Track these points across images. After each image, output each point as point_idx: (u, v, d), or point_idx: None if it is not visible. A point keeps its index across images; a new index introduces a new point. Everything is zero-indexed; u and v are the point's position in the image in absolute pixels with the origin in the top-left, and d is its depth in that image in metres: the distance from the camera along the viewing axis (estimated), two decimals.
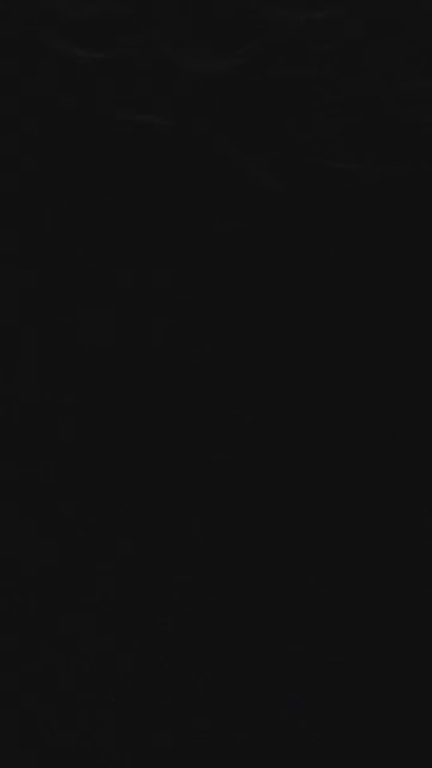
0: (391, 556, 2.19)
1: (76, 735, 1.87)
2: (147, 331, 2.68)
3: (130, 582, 2.14)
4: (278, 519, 2.28)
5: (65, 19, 3.24)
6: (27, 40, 3.18)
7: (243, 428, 2.47)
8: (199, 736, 1.86)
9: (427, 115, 3.01)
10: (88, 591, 2.12)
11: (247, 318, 2.73)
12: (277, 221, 2.84)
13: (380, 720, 1.89)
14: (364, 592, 2.12)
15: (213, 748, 1.84)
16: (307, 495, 2.33)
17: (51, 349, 2.66)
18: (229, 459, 2.40)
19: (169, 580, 2.13)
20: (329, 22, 3.22)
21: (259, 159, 2.96)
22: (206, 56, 3.16)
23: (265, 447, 2.44)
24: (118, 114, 3.12)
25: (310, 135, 3.04)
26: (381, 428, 2.46)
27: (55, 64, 3.15)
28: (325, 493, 2.33)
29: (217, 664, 1.99)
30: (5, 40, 3.20)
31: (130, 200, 2.98)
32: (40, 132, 3.09)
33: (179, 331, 2.68)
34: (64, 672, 1.97)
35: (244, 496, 2.32)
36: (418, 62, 3.14)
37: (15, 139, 3.07)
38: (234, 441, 2.44)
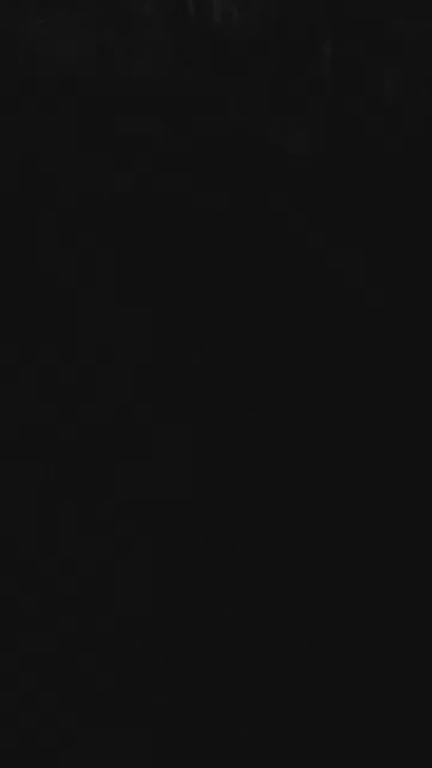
0: (392, 555, 2.17)
1: (75, 734, 1.85)
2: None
3: (130, 581, 2.12)
4: (279, 519, 2.25)
5: None
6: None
7: (246, 426, 2.44)
8: (199, 736, 1.85)
9: None
10: (87, 591, 2.09)
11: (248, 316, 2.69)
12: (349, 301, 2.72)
13: (381, 720, 1.88)
14: (365, 591, 2.10)
15: (213, 748, 1.83)
16: (308, 495, 2.30)
17: (54, 349, 2.63)
18: (231, 457, 2.37)
19: (169, 580, 2.11)
20: None
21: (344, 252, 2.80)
22: None
23: (266, 446, 2.41)
24: None
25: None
26: (383, 428, 2.43)
27: None
28: (327, 494, 2.30)
29: (217, 664, 1.98)
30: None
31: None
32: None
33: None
34: (63, 672, 1.95)
35: (244, 495, 2.29)
36: None
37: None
38: (235, 440, 2.41)
